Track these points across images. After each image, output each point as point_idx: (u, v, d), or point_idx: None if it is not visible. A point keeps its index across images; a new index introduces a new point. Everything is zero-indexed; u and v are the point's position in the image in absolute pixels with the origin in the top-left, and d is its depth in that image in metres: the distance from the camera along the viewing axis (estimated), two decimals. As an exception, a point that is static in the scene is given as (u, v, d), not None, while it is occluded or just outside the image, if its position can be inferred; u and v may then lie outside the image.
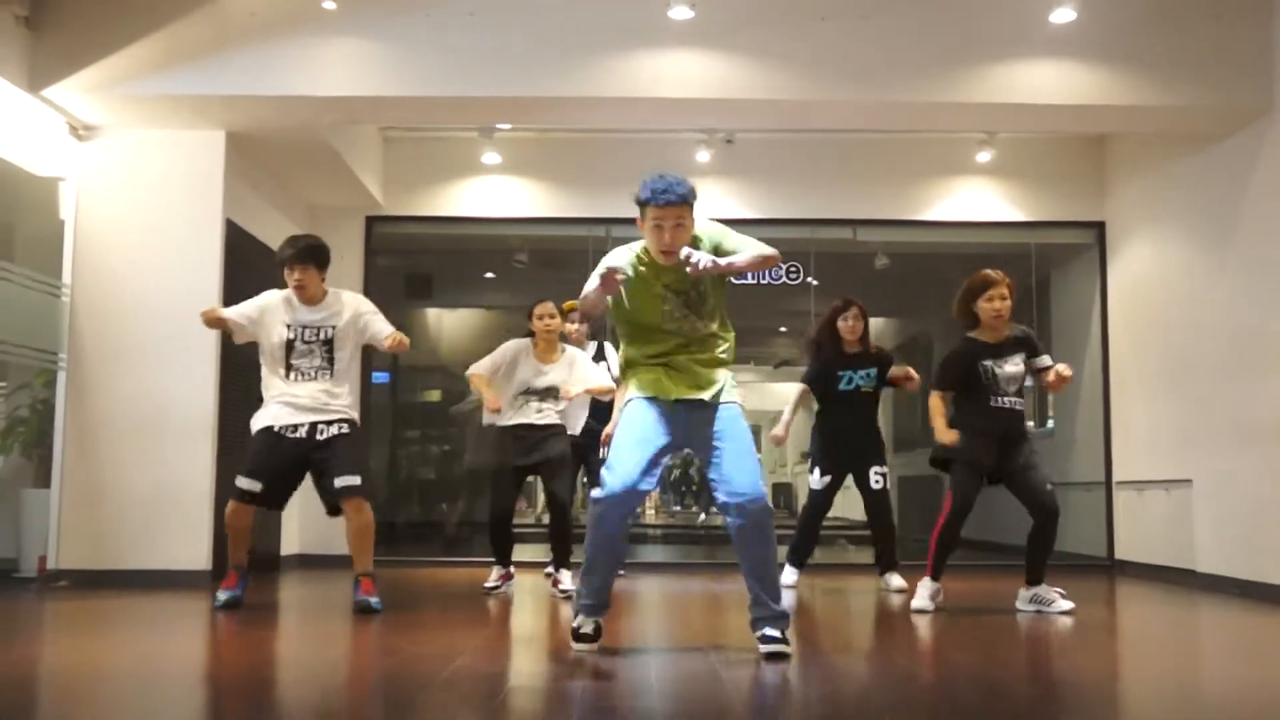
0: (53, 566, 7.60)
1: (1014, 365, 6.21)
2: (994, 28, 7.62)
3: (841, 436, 7.73)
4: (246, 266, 8.20)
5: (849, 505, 12.24)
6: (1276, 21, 7.49)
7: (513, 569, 7.28)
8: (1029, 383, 6.45)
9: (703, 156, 9.83)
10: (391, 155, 10.24)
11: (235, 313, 6.19)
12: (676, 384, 4.60)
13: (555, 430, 7.16)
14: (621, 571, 6.19)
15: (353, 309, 6.29)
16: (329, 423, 6.02)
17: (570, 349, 7.31)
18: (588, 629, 4.60)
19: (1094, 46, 7.58)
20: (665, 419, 4.55)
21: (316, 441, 6.00)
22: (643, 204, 4.60)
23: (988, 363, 6.20)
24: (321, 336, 6.15)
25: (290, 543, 9.46)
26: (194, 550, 7.70)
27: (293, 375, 6.10)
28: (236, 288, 7.62)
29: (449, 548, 11.07)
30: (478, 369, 7.13)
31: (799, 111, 8.12)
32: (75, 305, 7.76)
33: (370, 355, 10.07)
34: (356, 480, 5.98)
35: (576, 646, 4.58)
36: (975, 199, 10.15)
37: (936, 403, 6.28)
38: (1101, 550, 9.61)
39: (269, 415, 6.07)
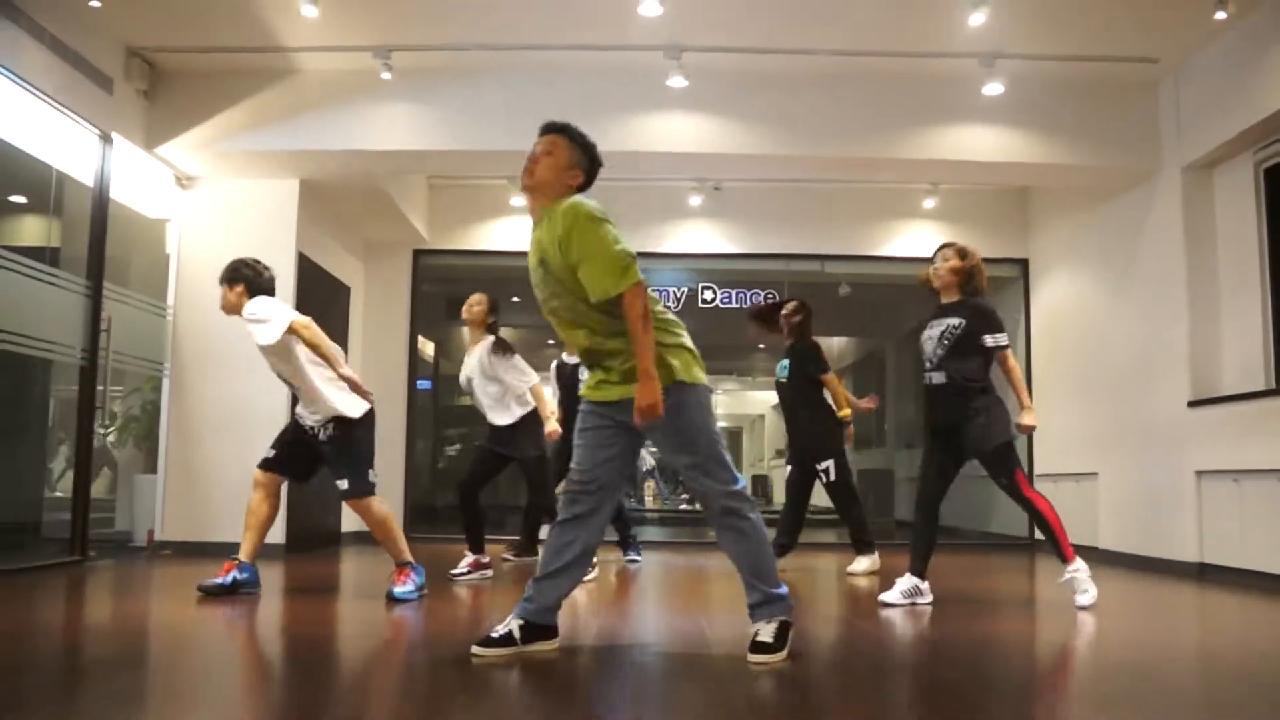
0: (159, 538, 7.79)
1: (937, 328, 5.37)
2: (938, 98, 7.80)
3: (789, 428, 7.45)
4: (315, 291, 8.40)
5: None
6: (1160, 99, 7.75)
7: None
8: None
9: (695, 201, 9.94)
10: (435, 199, 10.36)
11: None
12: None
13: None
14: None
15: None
16: (321, 424, 5.29)
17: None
18: None
19: (1019, 115, 7.77)
20: None
21: (317, 437, 5.31)
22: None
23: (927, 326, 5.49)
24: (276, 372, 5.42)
25: (349, 520, 9.59)
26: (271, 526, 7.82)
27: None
28: (306, 309, 7.77)
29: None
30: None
31: (776, 164, 8.24)
32: (177, 324, 7.94)
33: (416, 363, 10.30)
34: (344, 484, 5.27)
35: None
36: (922, 238, 10.18)
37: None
38: (1024, 531, 9.71)
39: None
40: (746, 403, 20.30)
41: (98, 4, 6.42)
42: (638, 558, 7.65)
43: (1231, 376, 7.33)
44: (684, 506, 18.97)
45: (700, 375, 3.76)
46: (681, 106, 7.78)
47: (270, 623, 4.74)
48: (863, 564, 7.09)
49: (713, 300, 10.52)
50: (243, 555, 5.39)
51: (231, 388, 7.75)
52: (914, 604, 5.30)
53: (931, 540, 5.48)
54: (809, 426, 7.23)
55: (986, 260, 9.96)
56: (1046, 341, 9.84)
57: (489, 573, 6.48)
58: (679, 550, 9.62)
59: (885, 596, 5.35)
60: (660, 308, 3.79)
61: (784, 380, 7.33)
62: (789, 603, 3.72)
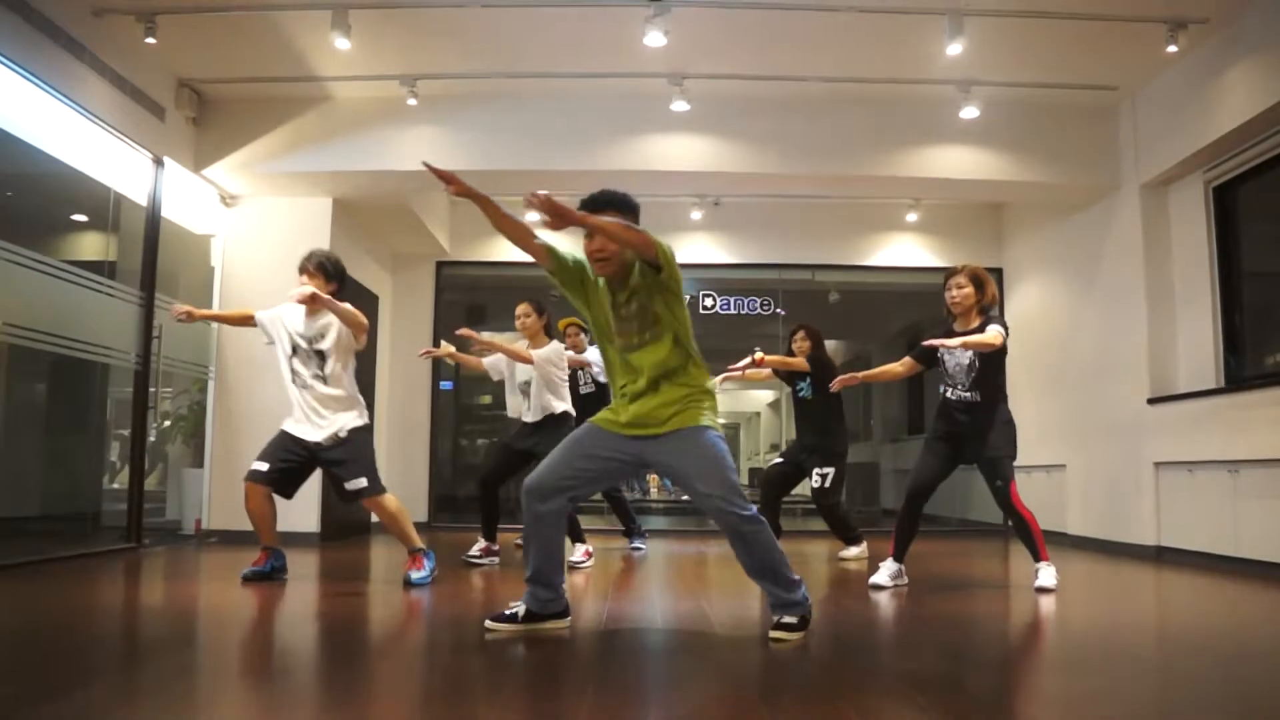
0: (206, 527, 7.90)
1: (964, 356, 5.32)
2: (919, 121, 7.91)
3: (798, 432, 7.38)
4: (347, 300, 8.48)
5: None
6: (1120, 123, 7.88)
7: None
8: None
9: (696, 215, 10.01)
10: (456, 214, 10.44)
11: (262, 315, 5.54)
12: None
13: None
14: None
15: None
16: (334, 434, 5.26)
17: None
18: None
19: (992, 137, 7.89)
20: None
21: (324, 447, 5.28)
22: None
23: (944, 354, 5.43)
24: (314, 347, 5.33)
25: (378, 511, 9.71)
26: (307, 516, 7.92)
27: (295, 381, 5.35)
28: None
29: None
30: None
31: (771, 182, 8.34)
32: (221, 330, 8.02)
33: (439, 367, 10.39)
34: (363, 483, 5.26)
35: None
36: (905, 250, 10.37)
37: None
38: (998, 519, 9.52)
39: (289, 422, 5.37)
40: (744, 401, 20.49)
41: (152, 40, 6.55)
42: (642, 545, 7.71)
43: (1186, 376, 7.43)
44: (686, 497, 19.06)
45: (718, 420, 3.76)
46: (684, 129, 7.89)
47: (307, 605, 4.82)
48: (853, 551, 7.10)
49: (713, 307, 10.65)
50: (271, 542, 5.45)
51: (270, 389, 7.44)
52: (896, 585, 5.36)
53: (914, 532, 5.53)
54: (826, 435, 7.10)
55: (963, 269, 10.21)
56: (1019, 345, 9.67)
57: (496, 560, 6.49)
58: (683, 539, 9.67)
59: (875, 579, 5.37)
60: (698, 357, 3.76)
61: (809, 397, 7.13)
62: (806, 605, 3.73)
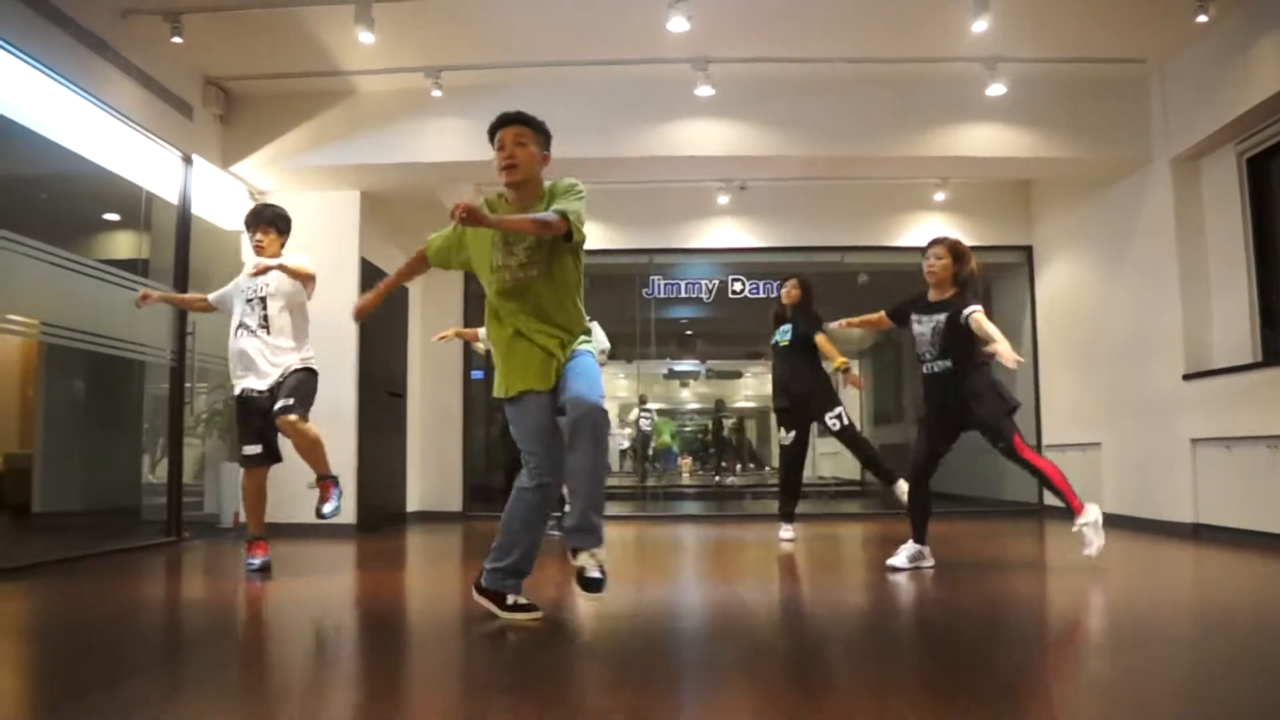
0: (243, 520, 7.91)
1: (928, 324, 5.39)
2: (946, 100, 7.85)
3: (784, 382, 7.26)
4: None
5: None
6: (1149, 96, 7.78)
7: None
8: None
9: (722, 200, 9.98)
10: None
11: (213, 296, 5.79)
12: None
13: None
14: None
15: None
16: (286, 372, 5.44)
17: None
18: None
19: (1020, 114, 7.82)
20: None
21: (273, 389, 5.41)
22: (491, 134, 3.87)
23: (914, 315, 5.51)
24: (258, 293, 5.51)
25: (414, 500, 9.83)
26: (343, 508, 7.92)
27: (240, 332, 5.49)
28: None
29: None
30: None
31: (797, 164, 8.31)
32: None
33: (470, 357, 10.44)
34: (290, 401, 5.31)
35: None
36: (934, 229, 9.96)
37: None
38: (1033, 498, 9.78)
39: (239, 381, 5.52)
40: (766, 380, 20.52)
41: (179, 40, 6.61)
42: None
43: (1222, 351, 7.35)
44: (718, 479, 19.17)
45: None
46: (708, 113, 7.87)
47: (345, 595, 4.89)
48: (903, 486, 6.61)
49: (742, 291, 10.62)
50: (262, 531, 5.64)
51: None
52: (919, 568, 5.34)
53: (927, 510, 5.53)
54: (813, 383, 7.12)
55: (993, 248, 10.14)
56: (1050, 322, 9.86)
57: None
58: (718, 524, 9.70)
59: (893, 561, 5.38)
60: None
61: (785, 343, 7.18)
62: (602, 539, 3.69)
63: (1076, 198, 9.20)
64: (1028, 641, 3.64)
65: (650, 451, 19.50)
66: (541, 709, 2.49)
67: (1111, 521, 8.06)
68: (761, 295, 10.59)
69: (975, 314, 5.21)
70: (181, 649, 3.62)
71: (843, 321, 5.95)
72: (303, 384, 5.49)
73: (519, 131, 3.79)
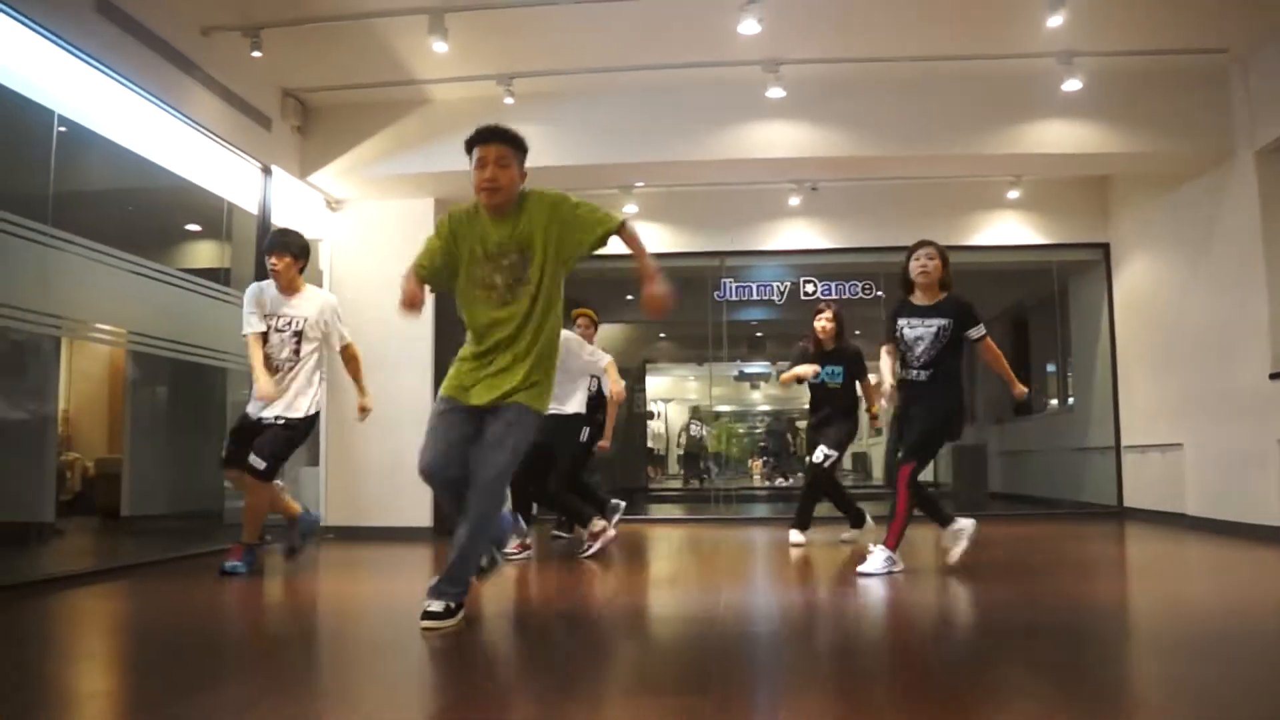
0: (324, 524, 8.01)
1: (927, 329, 5.25)
2: (1019, 96, 7.72)
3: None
4: (448, 298, 8.59)
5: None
6: (1232, 88, 7.57)
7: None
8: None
9: (794, 201, 9.85)
10: None
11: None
12: None
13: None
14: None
15: (319, 304, 5.69)
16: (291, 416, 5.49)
17: None
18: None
19: (1096, 108, 7.66)
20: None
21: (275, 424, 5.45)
22: (469, 146, 3.81)
23: (905, 320, 5.33)
24: (293, 327, 5.57)
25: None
26: (419, 511, 8.04)
27: (271, 363, 5.48)
28: (441, 313, 8.07)
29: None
30: None
31: (869, 164, 8.24)
32: None
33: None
34: (263, 465, 5.37)
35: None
36: (1008, 228, 10.06)
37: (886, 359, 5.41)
38: (1113, 500, 9.58)
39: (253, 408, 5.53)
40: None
41: (258, 54, 6.74)
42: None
43: (1311, 348, 7.15)
44: (780, 482, 19.09)
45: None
46: (779, 115, 7.83)
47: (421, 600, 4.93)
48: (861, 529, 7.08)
49: (814, 293, 10.51)
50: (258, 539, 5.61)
51: (380, 387, 7.55)
52: (890, 572, 5.09)
53: (935, 502, 5.53)
54: (844, 425, 6.98)
55: (1068, 246, 10.02)
56: (1129, 320, 9.64)
57: (530, 553, 6.44)
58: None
59: (863, 568, 5.13)
60: None
61: (836, 385, 6.97)
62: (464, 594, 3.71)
63: (1156, 193, 8.97)
64: (1114, 645, 3.57)
65: (702, 457, 19.81)
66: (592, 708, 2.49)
67: (1194, 524, 7.96)
68: (833, 297, 10.46)
69: (987, 340, 5.28)
70: (273, 651, 3.68)
71: (888, 386, 5.59)
72: (289, 443, 5.54)
73: (502, 152, 3.72)
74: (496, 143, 3.71)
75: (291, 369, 5.54)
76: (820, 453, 6.92)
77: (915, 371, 5.27)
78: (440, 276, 3.90)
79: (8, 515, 5.97)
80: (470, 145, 3.75)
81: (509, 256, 3.72)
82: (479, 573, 3.89)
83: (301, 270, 5.69)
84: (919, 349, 5.24)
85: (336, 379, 8.20)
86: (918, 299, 5.35)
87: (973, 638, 3.71)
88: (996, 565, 5.73)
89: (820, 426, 7.04)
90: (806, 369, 6.93)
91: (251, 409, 5.54)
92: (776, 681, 3.01)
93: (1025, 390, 5.37)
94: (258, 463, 5.38)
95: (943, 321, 5.25)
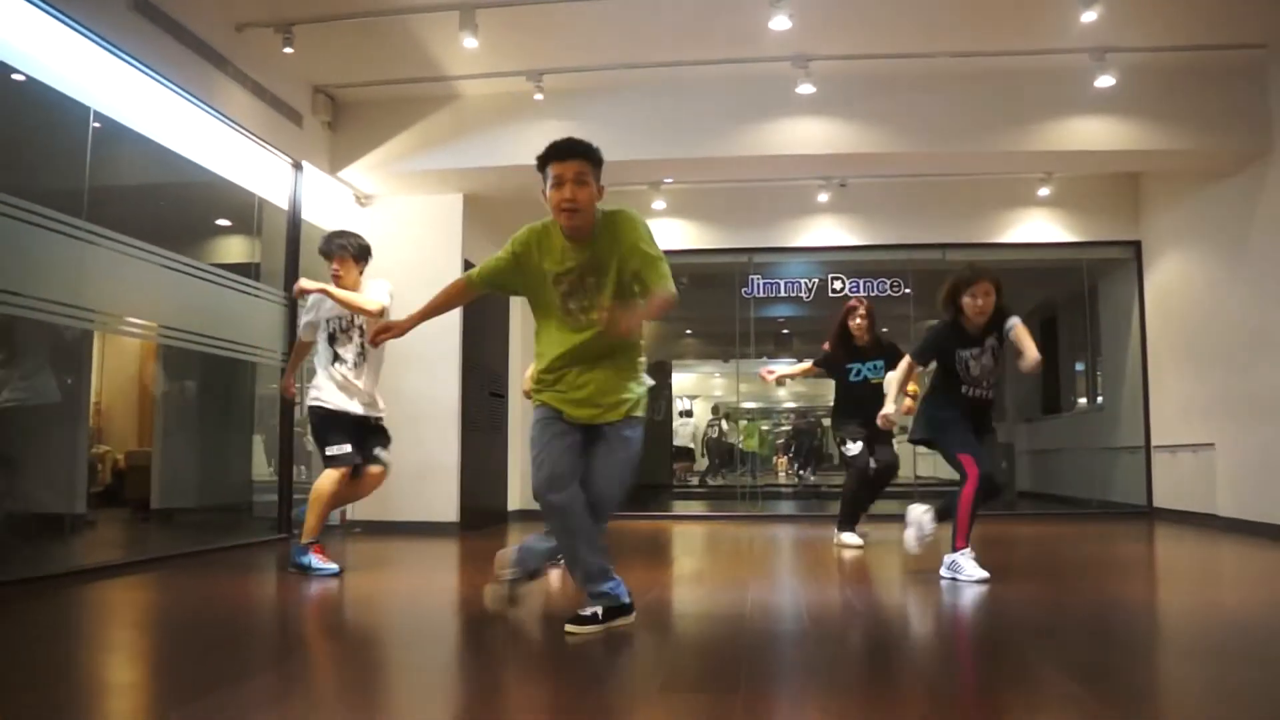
0: (352, 518, 8.14)
1: (985, 355, 5.08)
2: (1051, 92, 7.66)
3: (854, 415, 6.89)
4: (481, 297, 8.66)
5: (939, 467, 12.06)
6: (1270, 84, 7.47)
7: None
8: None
9: (823, 198, 9.86)
10: None
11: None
12: None
13: None
14: None
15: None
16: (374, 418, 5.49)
17: None
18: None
19: (1129, 105, 7.60)
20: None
21: (368, 419, 5.43)
22: (542, 163, 3.50)
23: (962, 352, 5.09)
24: (358, 324, 5.45)
25: (514, 499, 9.93)
26: (447, 506, 8.11)
27: (337, 365, 5.38)
28: (473, 310, 8.12)
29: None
30: None
31: (898, 161, 8.24)
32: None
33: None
34: (388, 456, 5.53)
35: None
36: (1038, 225, 10.02)
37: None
38: (1143, 500, 9.53)
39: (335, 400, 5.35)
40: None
41: (290, 50, 6.78)
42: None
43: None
44: (812, 479, 19.05)
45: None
46: (808, 111, 7.80)
47: (451, 594, 4.97)
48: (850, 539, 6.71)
49: (842, 290, 10.48)
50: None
51: (410, 383, 7.89)
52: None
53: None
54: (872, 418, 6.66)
55: (1099, 243, 9.95)
56: (1160, 319, 9.56)
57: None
58: (818, 524, 9.62)
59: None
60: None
61: (879, 380, 6.76)
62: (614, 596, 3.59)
63: (1189, 190, 8.88)
64: (1144, 647, 3.54)
65: (727, 454, 19.99)
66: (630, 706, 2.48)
67: (1227, 526, 7.87)
68: (862, 294, 10.41)
69: (1018, 325, 5.00)
70: (298, 646, 3.70)
71: (909, 401, 5.59)
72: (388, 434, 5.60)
73: (581, 169, 3.42)
74: (574, 159, 3.42)
75: (362, 365, 5.43)
76: (854, 448, 6.74)
77: (981, 391, 5.14)
78: (502, 289, 3.79)
79: (41, 507, 6.01)
80: (544, 162, 3.47)
81: (586, 280, 3.48)
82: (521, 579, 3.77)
83: (362, 271, 5.57)
84: (978, 371, 5.11)
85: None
86: (968, 325, 5.10)
87: (1003, 637, 3.67)
88: (1025, 565, 5.71)
89: (873, 425, 6.70)
90: (798, 368, 7.28)
91: (339, 403, 5.34)
92: (806, 679, 3.00)
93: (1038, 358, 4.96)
94: (388, 458, 5.52)
95: (993, 341, 5.10)
